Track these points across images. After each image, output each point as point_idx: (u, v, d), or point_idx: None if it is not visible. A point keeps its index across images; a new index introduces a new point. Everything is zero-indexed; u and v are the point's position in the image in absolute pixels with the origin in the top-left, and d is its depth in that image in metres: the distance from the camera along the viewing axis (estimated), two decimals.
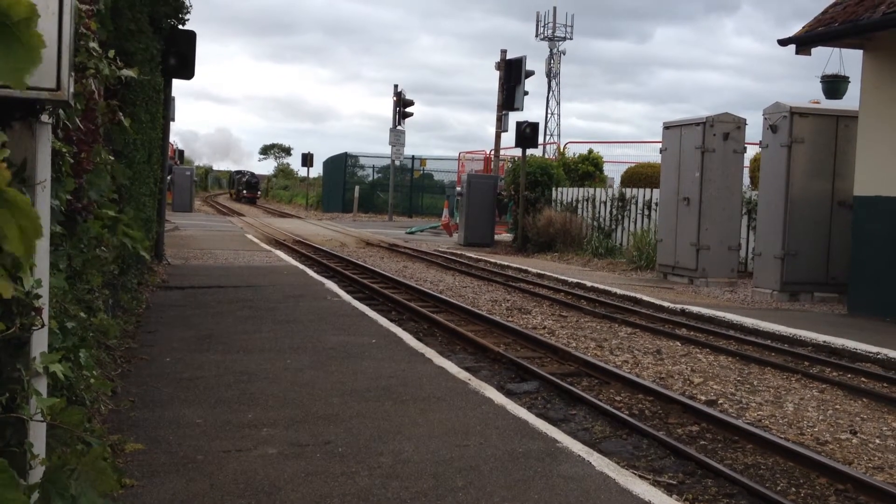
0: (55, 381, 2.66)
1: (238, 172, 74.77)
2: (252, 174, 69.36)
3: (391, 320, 9.44)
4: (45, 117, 2.50)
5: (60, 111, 2.75)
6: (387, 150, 40.27)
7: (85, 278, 4.39)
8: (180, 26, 12.58)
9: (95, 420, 4.53)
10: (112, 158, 4.51)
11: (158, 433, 4.63)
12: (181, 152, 49.17)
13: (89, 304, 4.58)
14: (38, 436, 2.48)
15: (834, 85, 13.80)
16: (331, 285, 11.87)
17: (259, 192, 67.28)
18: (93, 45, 3.19)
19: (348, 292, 11.62)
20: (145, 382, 5.77)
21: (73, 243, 3.79)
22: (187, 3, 11.91)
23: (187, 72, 13.01)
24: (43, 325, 2.48)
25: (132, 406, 5.15)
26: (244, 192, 64.71)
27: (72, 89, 2.40)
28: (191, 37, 13.03)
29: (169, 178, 22.73)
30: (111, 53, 3.42)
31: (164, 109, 12.72)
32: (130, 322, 7.79)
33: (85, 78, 3.18)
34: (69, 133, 3.14)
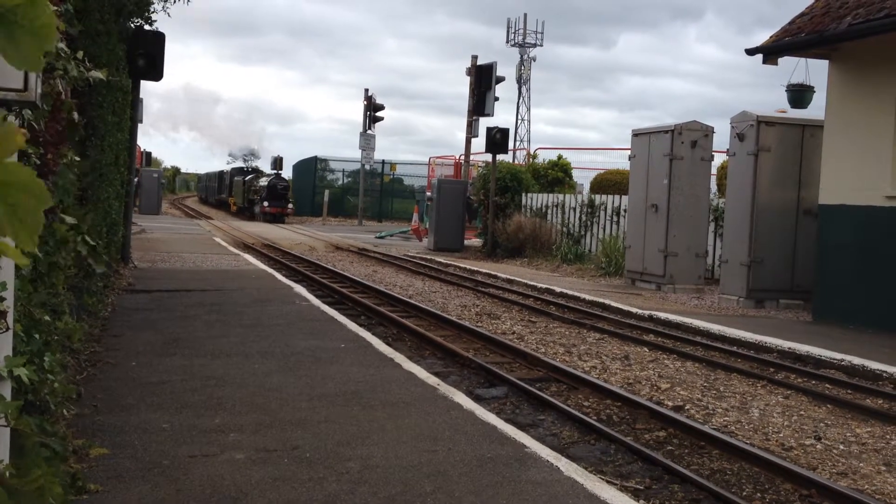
0: (19, 384, 2.62)
1: (242, 171, 47.89)
2: (278, 176, 41.53)
3: (360, 325, 9.40)
4: (11, 118, 2.46)
5: (27, 112, 2.71)
6: (357, 154, 40.14)
7: (50, 281, 4.33)
8: (147, 26, 12.44)
9: (59, 424, 4.47)
10: (78, 160, 4.46)
11: (124, 438, 4.58)
12: (148, 154, 48.67)
13: (54, 308, 4.52)
14: (1, 440, 2.45)
15: (799, 94, 14.00)
16: (300, 289, 11.81)
17: (291, 206, 40.56)
18: (61, 45, 3.15)
19: (317, 296, 11.57)
20: (111, 387, 5.70)
21: (38, 246, 3.73)
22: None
23: (155, 73, 12.91)
24: (7, 329, 2.44)
25: (97, 410, 5.09)
26: (266, 205, 39.21)
27: (39, 90, 2.37)
28: (159, 38, 12.93)
29: (136, 180, 22.42)
30: (80, 54, 3.39)
31: (132, 111, 12.61)
32: (96, 326, 7.70)
33: (53, 79, 3.14)
34: (35, 134, 3.10)
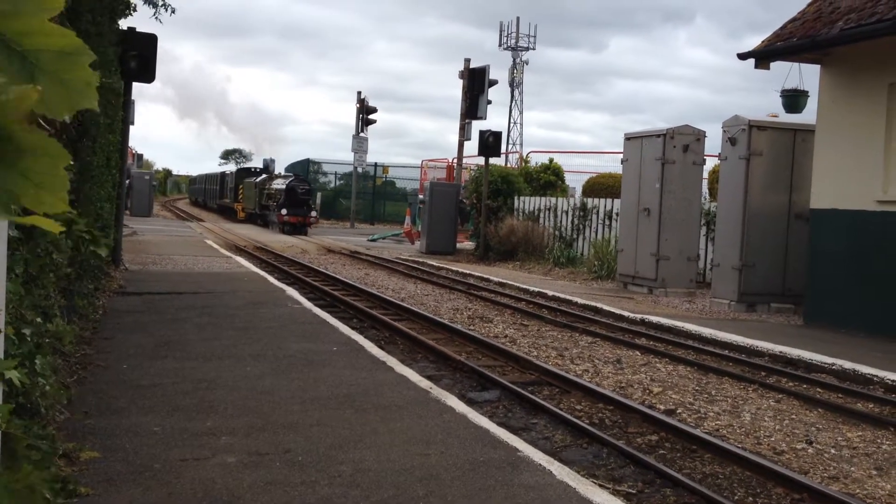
0: (10, 387, 2.60)
1: (251, 172, 41.50)
2: (297, 177, 34.74)
3: (353, 328, 9.39)
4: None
5: None
6: (349, 156, 40.09)
7: (41, 283, 4.31)
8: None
9: (50, 427, 4.45)
10: (72, 163, 4.45)
11: (115, 441, 4.55)
12: (140, 156, 48.50)
13: (45, 310, 4.50)
14: None
15: (794, 99, 14.05)
16: (292, 292, 11.78)
17: (315, 214, 33.45)
18: None
19: (309, 299, 11.55)
20: (102, 389, 5.68)
21: (29, 248, 3.72)
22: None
23: (148, 75, 12.88)
24: None
25: (88, 413, 5.07)
26: (284, 213, 31.62)
27: None
28: (152, 40, 12.90)
29: (127, 182, 22.27)
30: None
31: (124, 113, 12.57)
32: (87, 328, 7.67)
33: None
34: None
